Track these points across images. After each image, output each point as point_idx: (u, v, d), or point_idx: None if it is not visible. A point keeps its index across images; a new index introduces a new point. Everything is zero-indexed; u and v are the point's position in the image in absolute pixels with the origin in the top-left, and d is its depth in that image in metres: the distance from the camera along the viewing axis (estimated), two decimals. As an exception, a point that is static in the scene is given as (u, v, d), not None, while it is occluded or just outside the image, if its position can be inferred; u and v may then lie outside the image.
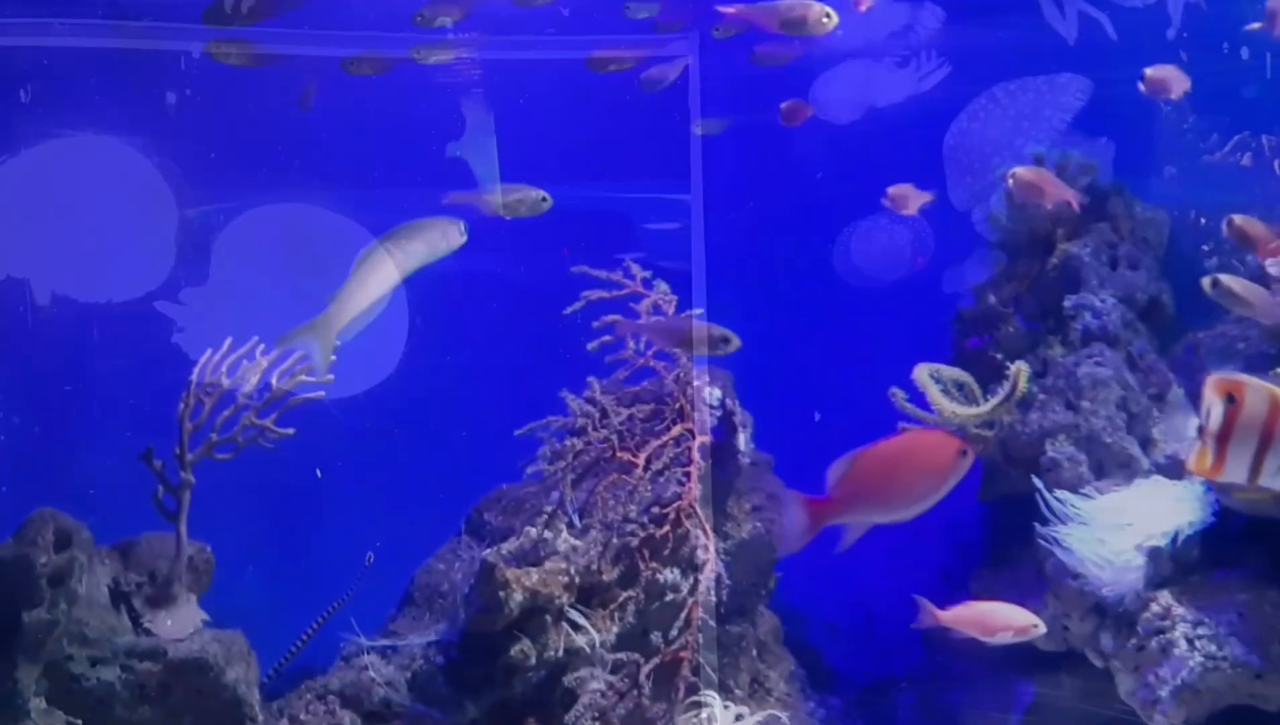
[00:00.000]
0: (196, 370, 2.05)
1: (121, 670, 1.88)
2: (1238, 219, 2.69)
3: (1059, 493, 2.56)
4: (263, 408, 2.08)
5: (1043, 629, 2.36)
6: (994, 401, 2.65)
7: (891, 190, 2.97)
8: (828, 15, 2.34)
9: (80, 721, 1.83)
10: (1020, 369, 2.64)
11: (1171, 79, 2.81)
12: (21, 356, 2.91)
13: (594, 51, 3.03)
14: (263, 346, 2.10)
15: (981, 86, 3.25)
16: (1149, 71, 2.80)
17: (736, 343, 2.29)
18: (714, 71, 3.04)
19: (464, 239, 2.38)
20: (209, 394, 2.05)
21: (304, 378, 2.10)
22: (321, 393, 2.11)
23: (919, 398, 2.65)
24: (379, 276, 2.29)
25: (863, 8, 2.64)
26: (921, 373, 2.66)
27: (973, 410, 2.64)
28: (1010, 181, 2.72)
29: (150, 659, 1.89)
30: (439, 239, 2.34)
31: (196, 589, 2.06)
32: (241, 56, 2.72)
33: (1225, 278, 2.54)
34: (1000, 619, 2.33)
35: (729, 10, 2.53)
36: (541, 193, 2.66)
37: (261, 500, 2.93)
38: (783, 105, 2.99)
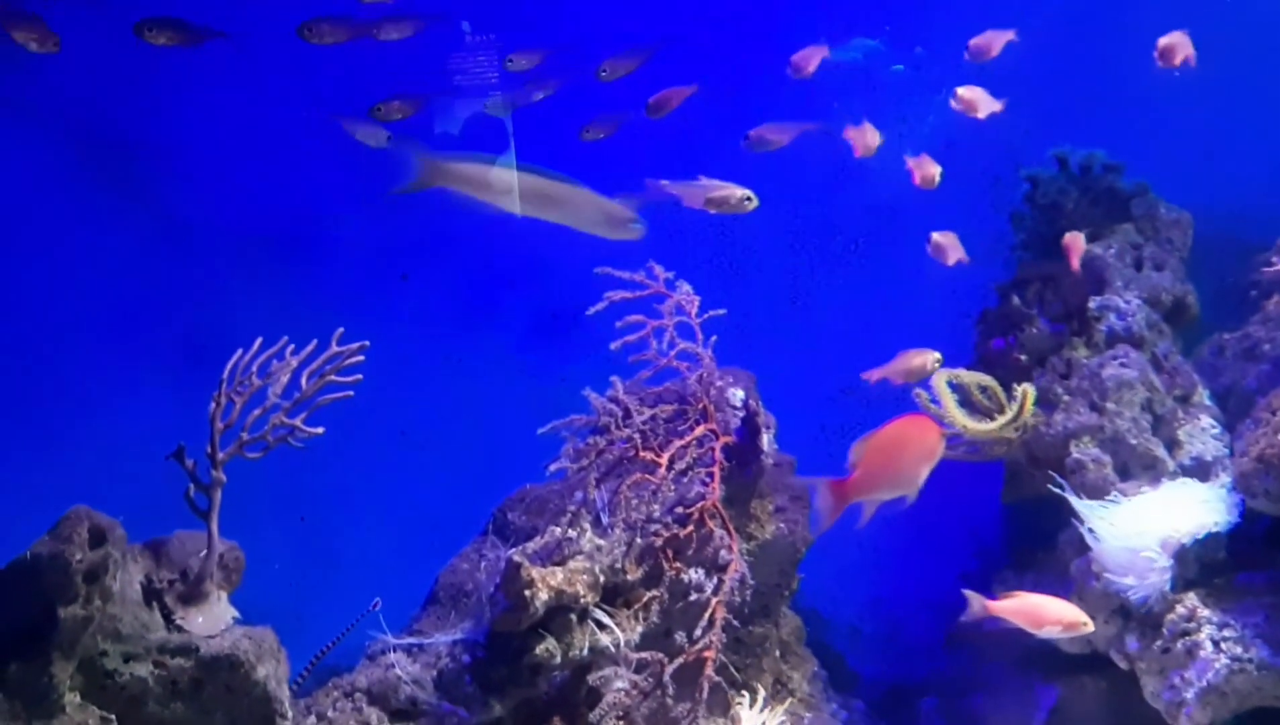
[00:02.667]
0: (227, 369, 2.07)
1: (154, 666, 1.89)
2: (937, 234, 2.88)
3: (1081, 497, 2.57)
4: (293, 407, 2.09)
5: (1091, 627, 2.31)
6: (1002, 420, 2.66)
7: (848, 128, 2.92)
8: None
9: (114, 717, 1.85)
10: (1027, 391, 2.65)
11: (979, 100, 2.82)
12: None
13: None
14: (293, 346, 2.12)
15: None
16: (960, 91, 2.85)
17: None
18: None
19: (635, 234, 2.26)
20: (240, 393, 2.06)
21: (333, 378, 2.11)
22: (350, 392, 2.12)
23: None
24: (510, 184, 2.18)
25: (809, 71, 2.91)
26: (939, 381, 2.66)
27: (983, 426, 2.65)
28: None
29: (182, 655, 1.91)
30: (602, 214, 2.24)
31: (227, 586, 2.08)
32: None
33: (936, 235, 2.90)
34: (1051, 613, 2.29)
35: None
36: (746, 192, 2.61)
37: (288, 499, 2.95)
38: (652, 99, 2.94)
